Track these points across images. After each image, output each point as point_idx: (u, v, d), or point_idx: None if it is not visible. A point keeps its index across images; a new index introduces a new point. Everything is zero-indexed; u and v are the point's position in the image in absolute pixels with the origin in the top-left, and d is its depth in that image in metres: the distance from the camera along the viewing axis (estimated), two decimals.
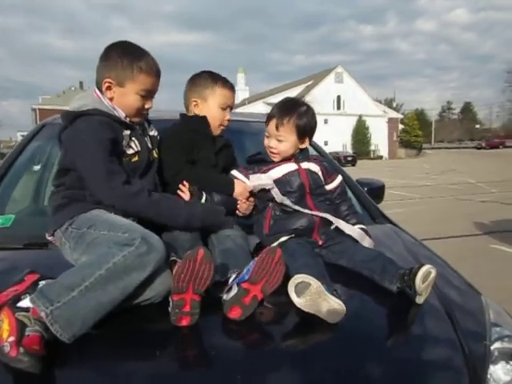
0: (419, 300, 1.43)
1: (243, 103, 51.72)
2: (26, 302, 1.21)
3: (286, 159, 1.86)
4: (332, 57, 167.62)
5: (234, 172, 1.90)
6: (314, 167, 1.87)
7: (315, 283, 1.30)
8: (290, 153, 1.86)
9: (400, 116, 62.02)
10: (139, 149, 1.69)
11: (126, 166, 1.61)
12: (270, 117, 1.86)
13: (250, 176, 1.85)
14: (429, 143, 76.69)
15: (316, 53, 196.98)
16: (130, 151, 1.66)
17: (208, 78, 1.96)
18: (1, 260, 1.72)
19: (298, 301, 1.29)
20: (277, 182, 1.83)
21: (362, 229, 1.85)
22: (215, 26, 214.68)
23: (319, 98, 45.95)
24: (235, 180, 1.85)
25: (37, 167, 2.74)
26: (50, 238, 1.62)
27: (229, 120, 1.95)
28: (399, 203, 10.93)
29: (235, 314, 1.29)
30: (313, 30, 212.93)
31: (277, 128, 1.82)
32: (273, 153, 1.86)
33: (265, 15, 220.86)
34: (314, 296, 1.28)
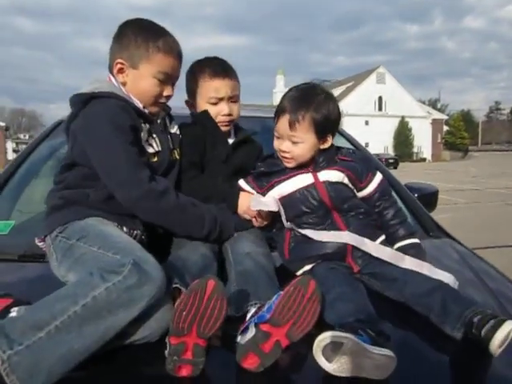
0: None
1: None
2: None
3: (302, 166, 1.47)
4: (374, 57, 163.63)
5: (242, 183, 1.56)
6: (335, 176, 1.45)
7: (349, 340, 0.94)
8: (308, 157, 1.46)
9: (445, 117, 59.92)
10: (159, 148, 1.45)
11: None
12: (279, 111, 1.45)
13: (251, 198, 1.47)
14: (475, 145, 73.64)
15: (357, 53, 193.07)
16: (150, 150, 1.43)
17: (194, 70, 1.67)
18: None
19: (330, 367, 0.94)
20: (289, 199, 1.45)
21: (414, 244, 1.48)
22: (255, 28, 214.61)
23: (360, 99, 45.11)
24: (243, 194, 1.52)
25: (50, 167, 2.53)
26: (39, 244, 1.38)
27: (228, 114, 1.62)
28: (444, 208, 10.20)
29: (251, 363, 0.97)
30: (354, 31, 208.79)
31: (291, 126, 1.41)
32: (286, 158, 1.46)
33: (304, 16, 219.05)
34: (350, 357, 0.93)
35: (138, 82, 1.43)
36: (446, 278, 1.31)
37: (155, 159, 1.45)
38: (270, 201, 1.43)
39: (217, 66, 1.63)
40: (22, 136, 66.00)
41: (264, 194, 1.50)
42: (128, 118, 1.35)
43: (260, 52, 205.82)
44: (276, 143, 1.48)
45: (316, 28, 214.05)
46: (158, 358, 0.99)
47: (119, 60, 1.42)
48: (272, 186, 1.49)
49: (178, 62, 1.48)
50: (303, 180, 1.45)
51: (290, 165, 1.48)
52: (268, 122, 2.45)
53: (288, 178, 1.47)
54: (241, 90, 1.71)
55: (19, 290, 1.26)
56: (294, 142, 1.43)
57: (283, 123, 1.43)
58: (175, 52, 1.46)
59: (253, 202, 1.44)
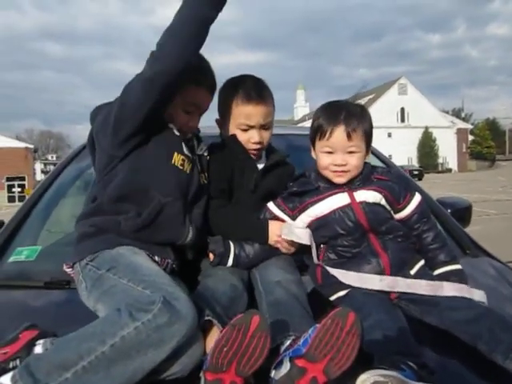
0: None
1: (303, 119, 51.59)
2: (8, 378, 0.92)
3: (337, 185, 1.42)
4: (396, 68, 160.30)
5: (271, 206, 1.50)
6: (373, 197, 1.40)
7: (393, 379, 0.87)
8: (360, 169, 1.42)
9: (469, 126, 59.00)
10: (188, 172, 1.40)
11: None
12: (331, 126, 1.38)
13: (283, 226, 1.42)
14: (502, 154, 71.83)
15: (380, 65, 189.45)
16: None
17: (226, 90, 1.56)
18: (11, 304, 1.47)
19: None
20: (324, 220, 1.40)
21: (456, 270, 1.40)
22: (276, 44, 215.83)
23: (382, 111, 44.80)
24: (272, 223, 1.45)
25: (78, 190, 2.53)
26: (68, 271, 1.35)
27: (259, 142, 1.52)
28: (474, 220, 9.82)
29: None
30: (375, 42, 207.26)
31: (349, 137, 1.36)
32: (342, 172, 1.40)
33: (325, 30, 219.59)
34: None
35: (166, 109, 1.39)
36: (478, 295, 1.27)
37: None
38: (303, 233, 1.38)
39: (251, 90, 1.50)
40: (49, 157, 67.74)
41: (295, 217, 1.46)
42: None
43: (281, 67, 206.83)
44: (329, 159, 1.41)
45: (337, 41, 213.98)
46: None
47: None
48: (305, 208, 1.43)
49: (207, 94, 1.46)
50: (339, 200, 1.39)
51: (342, 179, 1.40)
52: (291, 139, 2.41)
53: (323, 199, 1.41)
54: None
55: (45, 319, 1.25)
56: (351, 152, 1.39)
57: (339, 135, 1.38)
58: (205, 85, 1.43)
59: (285, 230, 1.39)
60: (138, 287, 1.06)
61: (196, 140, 1.53)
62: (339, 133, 1.38)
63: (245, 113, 1.50)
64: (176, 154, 1.37)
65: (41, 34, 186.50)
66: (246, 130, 1.52)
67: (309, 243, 1.38)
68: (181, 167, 1.37)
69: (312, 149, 1.48)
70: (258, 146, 1.53)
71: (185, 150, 1.40)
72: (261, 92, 1.52)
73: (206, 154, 1.52)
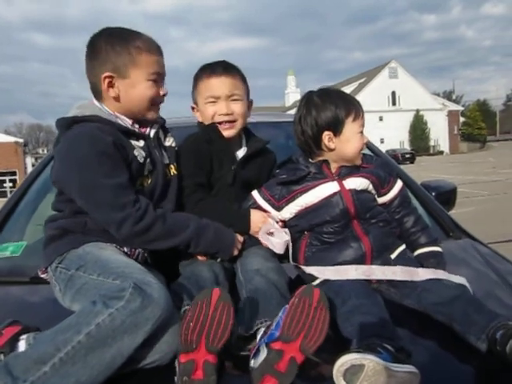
0: None
1: (295, 105, 51.46)
2: None
3: (328, 173, 1.44)
4: (392, 51, 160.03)
5: (256, 195, 1.50)
6: (362, 183, 1.43)
7: (370, 361, 0.89)
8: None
9: (460, 108, 59.15)
10: (151, 168, 1.37)
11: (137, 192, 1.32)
12: (359, 110, 1.47)
13: (262, 229, 1.41)
14: (494, 135, 72.17)
15: (374, 48, 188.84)
16: (145, 171, 1.36)
17: (196, 73, 1.60)
18: None
19: None
20: (313, 208, 1.41)
21: (435, 252, 1.44)
22: (269, 30, 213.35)
23: (373, 95, 44.75)
24: (254, 212, 1.45)
25: None
26: (43, 276, 1.34)
27: (226, 114, 1.52)
28: (466, 201, 9.98)
29: None
30: (369, 25, 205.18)
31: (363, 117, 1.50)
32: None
33: (318, 14, 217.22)
34: (372, 378, 0.88)
35: (132, 90, 1.35)
36: (456, 278, 1.29)
37: (149, 180, 1.37)
38: (279, 244, 1.39)
39: (216, 66, 1.56)
40: (40, 151, 67.11)
41: (281, 207, 1.47)
42: (110, 142, 1.26)
43: (272, 53, 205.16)
44: (363, 140, 1.47)
45: (330, 25, 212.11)
46: (168, 382, 0.96)
47: (106, 74, 1.33)
48: (293, 198, 1.44)
49: (162, 58, 1.41)
50: (329, 189, 1.41)
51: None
52: (283, 126, 2.38)
53: (312, 187, 1.42)
54: (254, 93, 1.67)
55: (30, 314, 1.26)
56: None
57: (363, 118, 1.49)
58: (155, 48, 1.38)
59: (262, 234, 1.40)
60: (109, 279, 1.08)
61: (162, 131, 1.51)
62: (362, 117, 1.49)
63: (210, 85, 1.53)
64: (139, 180, 1.35)
65: (28, 25, 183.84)
66: (213, 103, 1.53)
67: (282, 252, 1.39)
68: (142, 186, 1.35)
69: None
70: (227, 118, 1.53)
71: (141, 152, 1.35)
72: (226, 66, 1.56)
73: (173, 144, 1.52)
